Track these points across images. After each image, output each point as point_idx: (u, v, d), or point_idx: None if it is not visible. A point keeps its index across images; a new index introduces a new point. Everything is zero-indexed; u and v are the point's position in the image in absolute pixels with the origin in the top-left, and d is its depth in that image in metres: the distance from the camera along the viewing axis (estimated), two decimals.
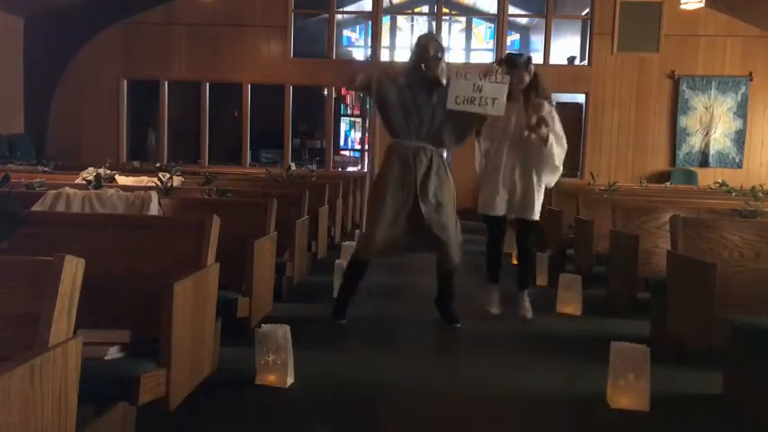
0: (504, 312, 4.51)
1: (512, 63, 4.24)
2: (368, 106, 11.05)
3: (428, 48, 4.06)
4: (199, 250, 2.65)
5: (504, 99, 3.97)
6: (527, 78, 4.26)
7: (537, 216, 4.38)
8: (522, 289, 4.47)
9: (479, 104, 3.96)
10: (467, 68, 4.17)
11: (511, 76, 4.10)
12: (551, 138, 4.19)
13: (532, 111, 4.21)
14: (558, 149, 4.24)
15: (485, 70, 4.03)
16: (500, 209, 4.35)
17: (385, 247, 4.13)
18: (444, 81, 4.06)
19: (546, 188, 4.44)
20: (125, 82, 11.85)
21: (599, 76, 11.43)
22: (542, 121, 4.16)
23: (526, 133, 4.21)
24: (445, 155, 4.23)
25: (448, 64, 4.17)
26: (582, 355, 3.73)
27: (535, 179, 4.30)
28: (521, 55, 4.36)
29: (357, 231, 4.48)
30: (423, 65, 4.05)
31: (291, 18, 11.71)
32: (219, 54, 11.62)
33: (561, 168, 4.33)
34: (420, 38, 4.20)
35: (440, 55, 4.06)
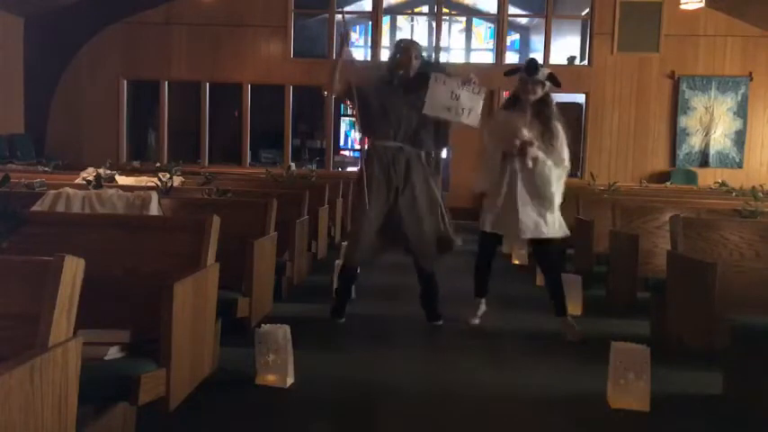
0: (499, 317, 4.48)
1: (531, 70, 3.96)
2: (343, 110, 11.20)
3: (409, 51, 4.05)
4: (199, 250, 2.66)
5: (480, 110, 3.93)
6: (539, 92, 3.98)
7: (551, 233, 4.00)
8: (559, 315, 4.10)
9: (455, 113, 3.91)
10: (447, 74, 4.05)
11: (525, 82, 3.98)
12: (546, 161, 3.92)
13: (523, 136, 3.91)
14: (554, 171, 3.94)
15: (464, 78, 3.94)
16: (498, 227, 4.08)
17: (371, 251, 4.18)
18: (412, 73, 4.04)
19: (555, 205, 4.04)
20: (125, 82, 11.84)
21: (599, 76, 11.42)
22: (524, 148, 3.89)
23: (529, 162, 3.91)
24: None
25: (431, 65, 4.15)
26: (582, 355, 3.73)
27: (548, 202, 3.98)
28: (543, 65, 4.05)
29: (343, 244, 4.49)
30: (401, 68, 4.05)
31: (291, 18, 11.71)
32: (219, 54, 11.62)
33: (558, 191, 3.98)
34: (401, 41, 4.22)
35: (416, 58, 4.05)
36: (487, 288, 4.34)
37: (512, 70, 4.17)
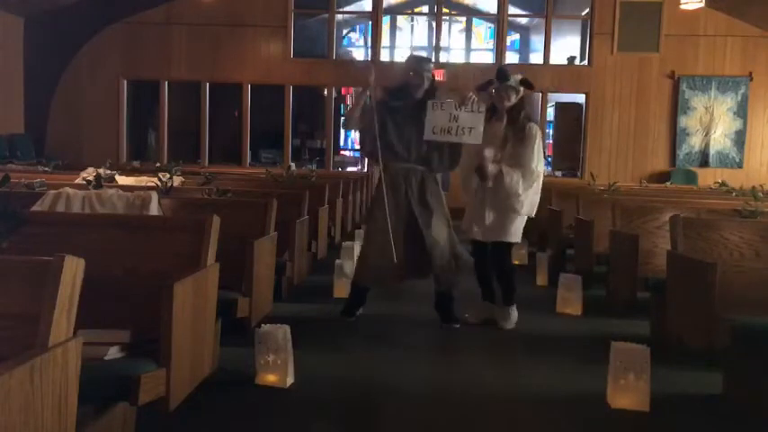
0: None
1: (502, 77, 4.03)
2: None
3: (415, 69, 4.04)
4: (199, 250, 2.66)
5: (481, 128, 3.94)
6: (513, 98, 4.05)
7: (511, 238, 4.13)
8: (505, 304, 4.22)
9: (456, 134, 3.93)
10: (443, 97, 4.00)
11: (498, 90, 4.04)
12: (512, 174, 3.97)
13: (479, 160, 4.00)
14: (520, 182, 3.98)
15: (461, 99, 3.95)
16: (477, 233, 4.18)
17: (382, 274, 4.10)
18: (422, 94, 4.03)
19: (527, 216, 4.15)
20: (125, 82, 11.85)
21: (599, 76, 11.42)
22: (482, 169, 3.99)
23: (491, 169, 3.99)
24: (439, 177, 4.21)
25: (437, 83, 4.16)
26: (582, 355, 3.73)
27: (519, 208, 4.06)
28: (515, 73, 4.11)
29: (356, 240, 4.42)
30: (412, 89, 4.06)
31: (291, 18, 11.71)
32: (219, 54, 11.62)
33: (528, 198, 4.04)
34: (409, 58, 4.22)
35: (426, 75, 4.04)
36: (493, 291, 4.30)
37: (484, 84, 4.19)
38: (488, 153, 3.99)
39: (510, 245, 4.22)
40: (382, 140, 4.06)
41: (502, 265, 4.24)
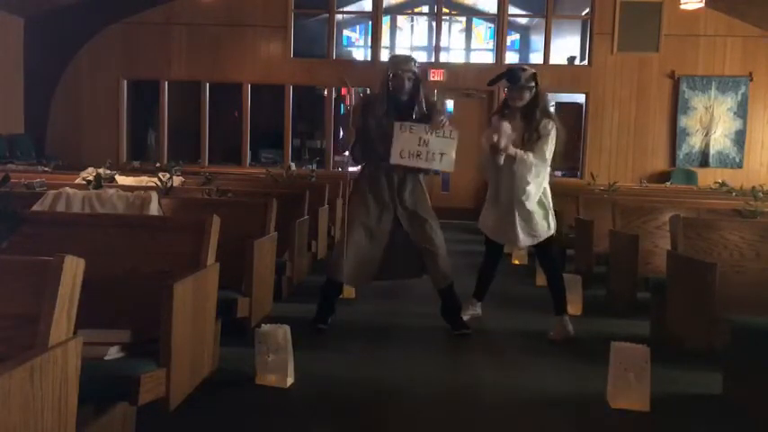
0: (499, 317, 4.49)
1: (513, 78, 3.95)
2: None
3: (402, 77, 3.91)
4: (199, 250, 2.66)
5: (453, 153, 3.83)
6: (527, 96, 3.95)
7: (543, 236, 4.05)
8: (557, 314, 4.08)
9: (426, 159, 3.81)
10: (428, 96, 3.91)
11: (510, 91, 3.98)
12: (525, 157, 3.87)
13: (491, 133, 3.89)
14: (532, 167, 3.89)
15: (433, 123, 3.86)
16: (496, 234, 4.17)
17: (358, 270, 3.98)
18: (406, 96, 3.92)
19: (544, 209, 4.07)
20: (125, 82, 11.83)
21: (599, 76, 11.41)
22: (495, 147, 3.85)
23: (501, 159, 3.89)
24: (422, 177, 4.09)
25: (422, 83, 4.02)
26: (582, 355, 3.73)
27: (527, 201, 3.96)
28: (524, 70, 3.98)
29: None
30: (395, 92, 3.94)
31: (291, 18, 11.70)
32: (219, 54, 11.61)
33: (533, 190, 3.94)
34: (393, 62, 4.05)
35: (407, 76, 3.92)
36: (485, 292, 4.36)
37: (494, 79, 4.14)
38: (506, 127, 3.85)
39: (551, 241, 4.12)
40: (363, 140, 4.00)
41: (552, 265, 4.17)
